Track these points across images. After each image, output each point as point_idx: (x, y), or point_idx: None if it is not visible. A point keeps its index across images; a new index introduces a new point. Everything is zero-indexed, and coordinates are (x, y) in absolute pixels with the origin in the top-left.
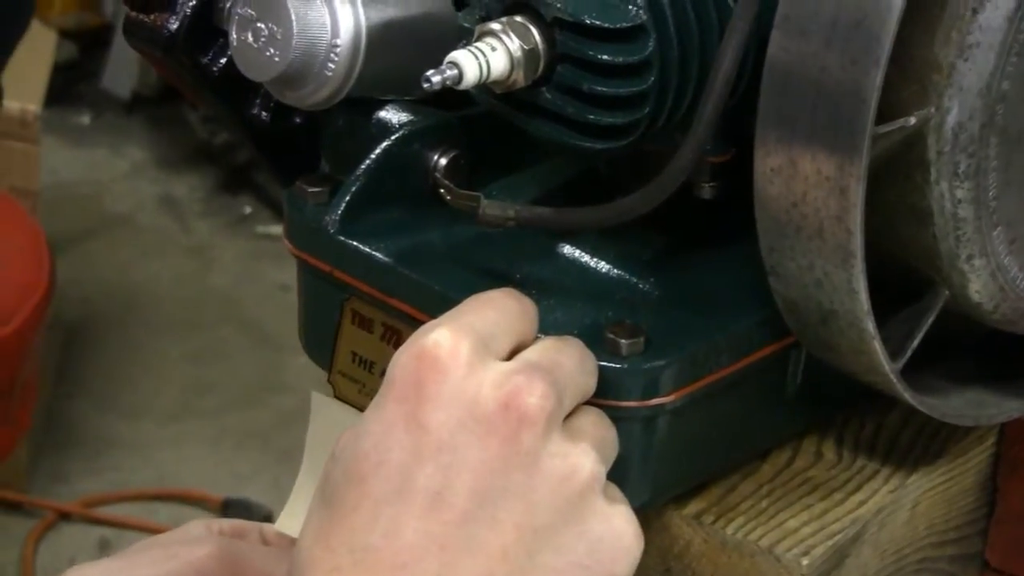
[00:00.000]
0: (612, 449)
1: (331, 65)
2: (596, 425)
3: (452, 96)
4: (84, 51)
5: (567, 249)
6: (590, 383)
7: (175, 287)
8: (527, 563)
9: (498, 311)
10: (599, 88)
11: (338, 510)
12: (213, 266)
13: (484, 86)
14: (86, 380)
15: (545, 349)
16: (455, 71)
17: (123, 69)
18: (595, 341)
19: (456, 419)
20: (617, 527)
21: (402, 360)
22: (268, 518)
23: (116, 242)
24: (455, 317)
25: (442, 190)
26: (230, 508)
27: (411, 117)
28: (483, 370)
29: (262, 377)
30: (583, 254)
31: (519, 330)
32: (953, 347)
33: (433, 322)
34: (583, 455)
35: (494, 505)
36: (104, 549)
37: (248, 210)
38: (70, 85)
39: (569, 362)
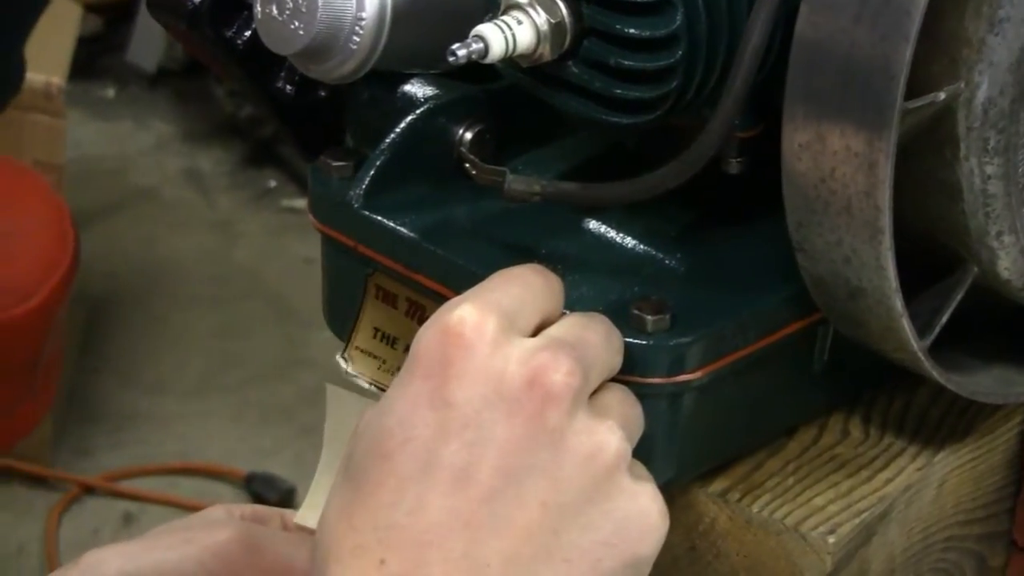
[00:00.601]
0: (638, 427)
1: (356, 38)
2: (622, 402)
3: (478, 70)
4: (109, 24)
5: (593, 224)
6: (616, 360)
7: (199, 261)
8: (552, 541)
9: (523, 287)
10: (626, 62)
11: (362, 487)
12: (238, 240)
13: (510, 60)
14: (110, 354)
15: (571, 325)
16: (481, 45)
17: (148, 42)
18: (621, 317)
19: (481, 396)
20: (643, 505)
21: (427, 336)
22: (291, 492)
23: (140, 216)
24: (480, 293)
25: (467, 165)
26: (254, 482)
27: (436, 91)
28: (508, 347)
29: (286, 351)
30: (609, 229)
31: (545, 306)
32: (982, 324)
33: (458, 298)
34: (609, 432)
35: (520, 483)
36: (128, 523)
37: (273, 184)
38: (95, 58)
39: (595, 338)
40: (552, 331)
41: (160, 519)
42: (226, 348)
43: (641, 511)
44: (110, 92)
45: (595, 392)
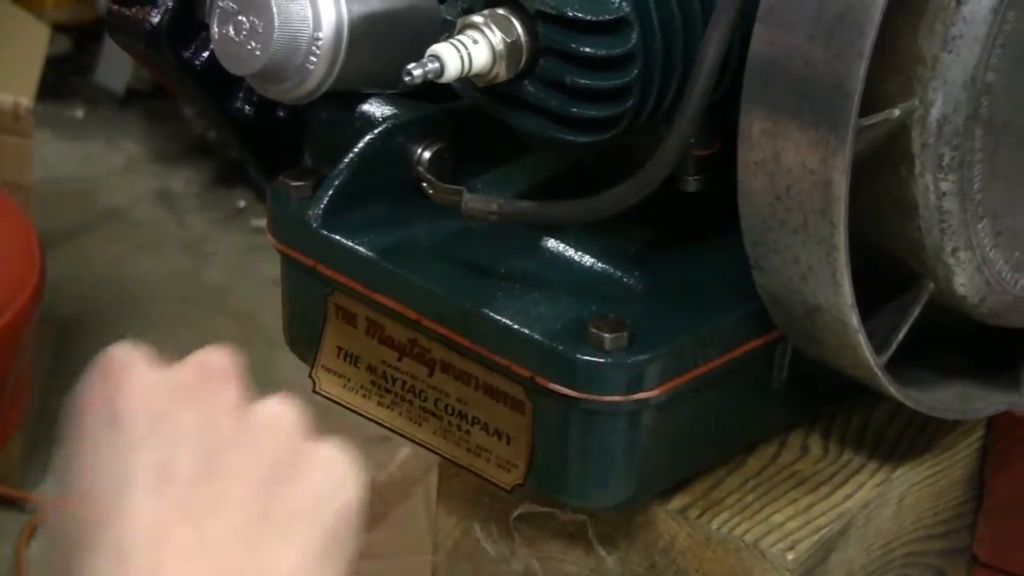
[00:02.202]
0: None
1: (313, 59)
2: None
3: (437, 89)
4: (78, 45)
5: (552, 243)
6: None
7: (169, 281)
8: (270, 505)
9: None
10: (582, 81)
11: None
12: (208, 260)
13: (466, 79)
14: (80, 375)
15: None
16: (436, 64)
17: (117, 63)
18: (579, 335)
19: (156, 397)
20: (330, 455)
21: (86, 381)
22: None
23: (110, 237)
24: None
25: (425, 184)
26: None
27: (395, 110)
28: (164, 361)
29: (256, 371)
30: (568, 248)
31: None
32: (942, 340)
33: None
34: (283, 402)
35: (219, 460)
36: None
37: (243, 204)
38: (64, 79)
39: None
40: None
41: None
42: None
43: (330, 459)
44: (79, 113)
45: None
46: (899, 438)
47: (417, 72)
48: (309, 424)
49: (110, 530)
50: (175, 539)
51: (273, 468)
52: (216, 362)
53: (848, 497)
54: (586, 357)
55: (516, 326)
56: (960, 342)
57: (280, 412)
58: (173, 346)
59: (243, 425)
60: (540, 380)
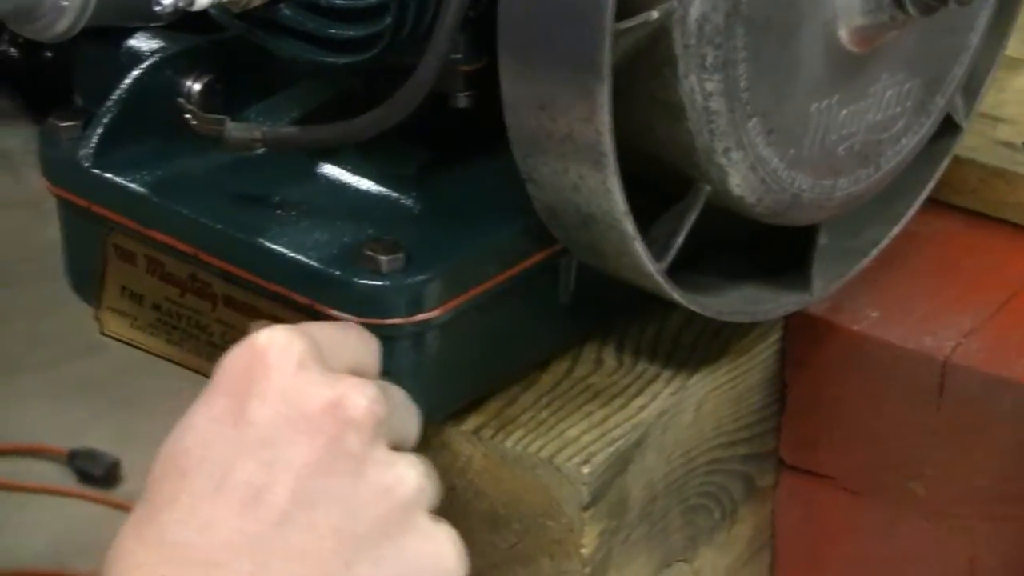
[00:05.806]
0: (435, 476)
1: None
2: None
3: (206, 20)
4: None
5: (328, 168)
6: (414, 428)
7: (9, 241)
8: (343, 572)
9: (339, 331)
10: (337, 1)
11: (155, 503)
12: (48, 219)
13: (222, 6)
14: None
15: (383, 382)
16: None
17: None
18: (354, 259)
19: (283, 415)
20: (439, 547)
21: (234, 354)
22: (116, 466)
23: None
24: (296, 325)
25: (188, 115)
26: (77, 458)
27: (162, 44)
28: (314, 372)
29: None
30: (344, 173)
31: (357, 356)
32: (730, 245)
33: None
34: (410, 467)
35: (313, 507)
36: None
37: None
38: None
39: (400, 397)
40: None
41: None
42: (37, 326)
43: (436, 552)
44: None
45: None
46: (694, 345)
47: (167, 1)
48: (434, 496)
49: (181, 527)
50: (230, 567)
51: (366, 537)
52: (354, 404)
53: (643, 408)
54: (363, 281)
55: (291, 254)
56: (748, 245)
57: (403, 477)
58: (14, 305)
59: (355, 480)
60: (319, 307)
